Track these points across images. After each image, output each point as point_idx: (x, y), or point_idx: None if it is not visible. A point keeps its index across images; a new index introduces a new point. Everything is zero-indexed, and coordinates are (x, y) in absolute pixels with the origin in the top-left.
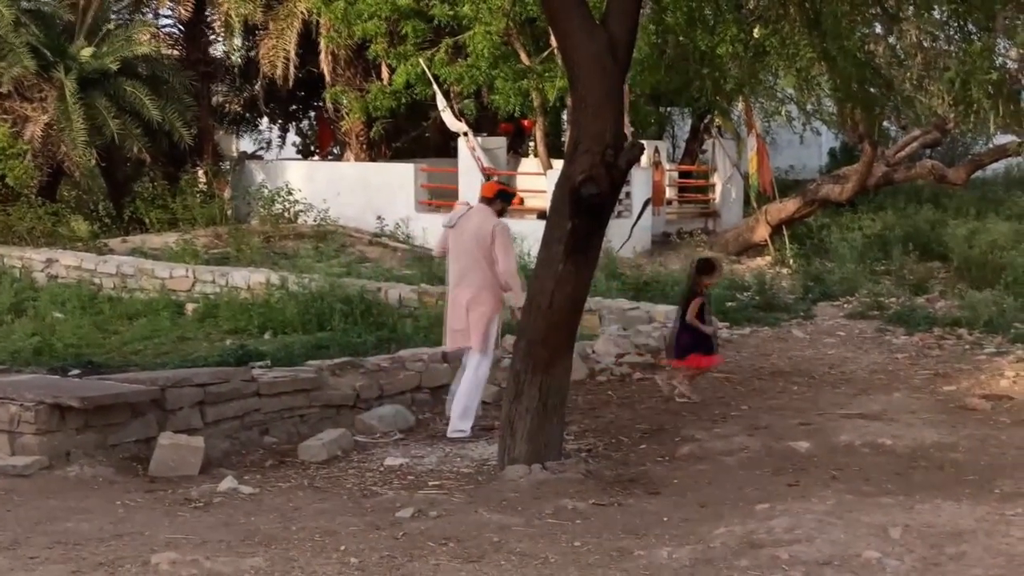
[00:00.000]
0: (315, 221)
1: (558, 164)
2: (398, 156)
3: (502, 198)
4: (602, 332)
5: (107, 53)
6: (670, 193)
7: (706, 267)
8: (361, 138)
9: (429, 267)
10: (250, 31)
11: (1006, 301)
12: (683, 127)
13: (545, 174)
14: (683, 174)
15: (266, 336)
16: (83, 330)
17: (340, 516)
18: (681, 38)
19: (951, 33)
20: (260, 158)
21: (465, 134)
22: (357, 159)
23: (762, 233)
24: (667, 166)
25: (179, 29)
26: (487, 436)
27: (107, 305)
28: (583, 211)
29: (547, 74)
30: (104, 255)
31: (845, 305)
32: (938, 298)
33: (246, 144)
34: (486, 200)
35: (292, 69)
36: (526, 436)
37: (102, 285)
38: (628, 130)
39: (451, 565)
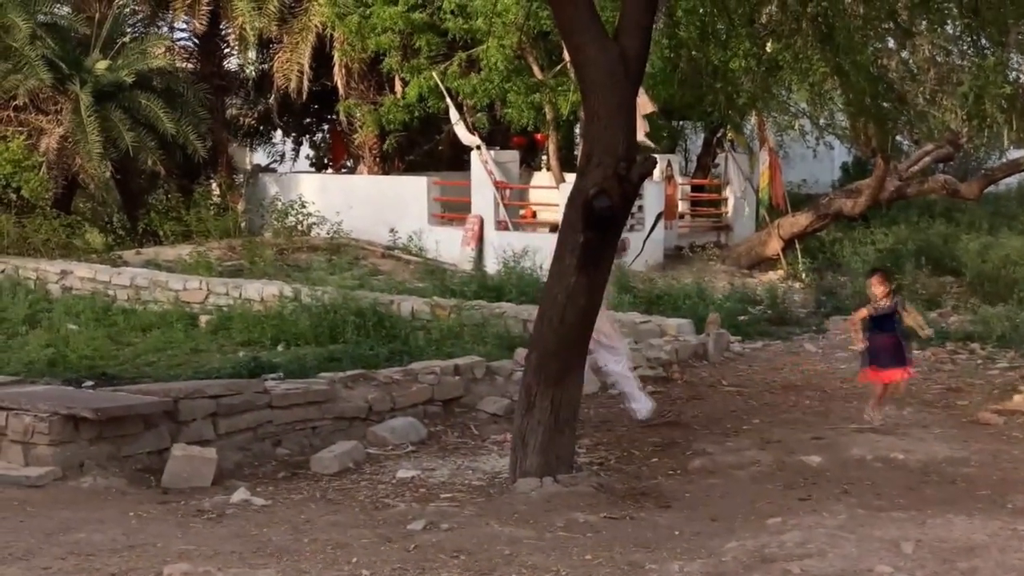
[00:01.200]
0: (328, 234)
1: (571, 178)
2: (411, 169)
3: None
4: None
5: (122, 66)
6: (682, 207)
7: (871, 274)
8: (374, 151)
9: (442, 279)
10: (264, 45)
11: (1019, 316)
12: (696, 141)
13: (558, 187)
14: (695, 188)
15: (279, 348)
16: (97, 342)
17: (352, 528)
18: (694, 52)
19: (964, 48)
20: (274, 171)
21: (478, 147)
22: (370, 172)
23: (774, 247)
24: (680, 180)
25: (194, 42)
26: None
27: (121, 317)
28: (595, 224)
29: (560, 88)
30: (118, 267)
31: None
32: (951, 313)
33: (260, 157)
34: None
35: (306, 82)
36: (538, 449)
37: (116, 297)
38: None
39: None
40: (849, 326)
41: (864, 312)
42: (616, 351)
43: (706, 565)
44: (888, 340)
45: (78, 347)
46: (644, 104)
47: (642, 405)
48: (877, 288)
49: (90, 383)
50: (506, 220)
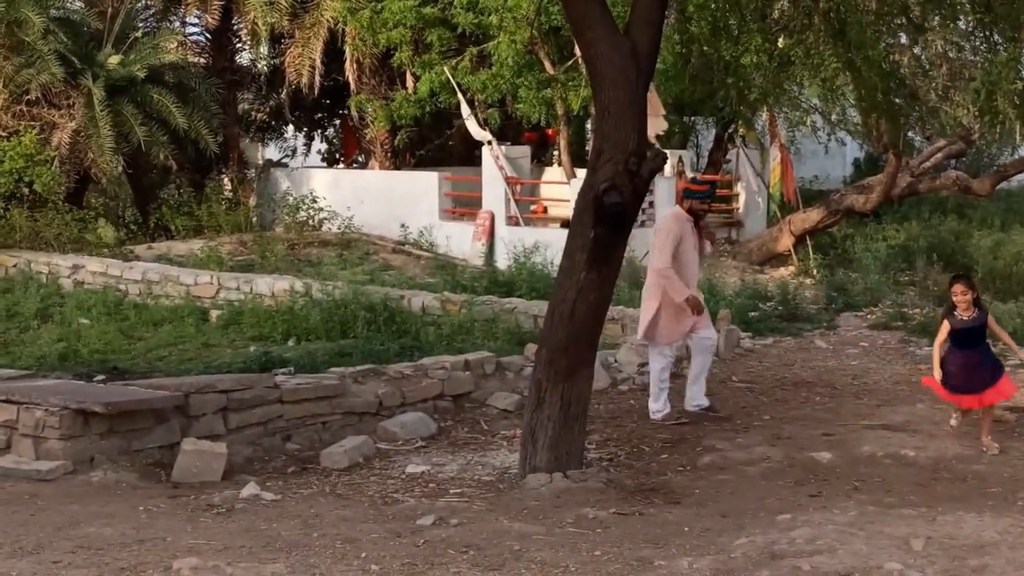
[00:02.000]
0: (339, 229)
1: (582, 173)
2: (422, 164)
3: (687, 195)
4: (624, 341)
5: (134, 61)
6: None
7: (952, 281)
8: (385, 146)
9: (452, 275)
10: (276, 39)
11: None
12: (707, 137)
13: (569, 183)
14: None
15: (290, 343)
16: (108, 336)
17: (361, 523)
18: (705, 48)
19: (976, 43)
20: (285, 166)
21: (489, 143)
22: (381, 167)
23: (785, 243)
24: (691, 175)
25: (206, 37)
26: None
27: (132, 311)
28: (606, 220)
29: (571, 83)
30: (130, 261)
31: (868, 316)
32: None
33: (271, 152)
34: (678, 199)
35: (317, 77)
36: (547, 445)
37: (128, 291)
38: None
39: (471, 573)
40: (934, 353)
41: (945, 330)
42: (666, 355)
43: (715, 561)
44: (966, 359)
45: (90, 341)
46: (656, 106)
47: (660, 407)
48: (959, 297)
49: (101, 377)
50: (517, 215)
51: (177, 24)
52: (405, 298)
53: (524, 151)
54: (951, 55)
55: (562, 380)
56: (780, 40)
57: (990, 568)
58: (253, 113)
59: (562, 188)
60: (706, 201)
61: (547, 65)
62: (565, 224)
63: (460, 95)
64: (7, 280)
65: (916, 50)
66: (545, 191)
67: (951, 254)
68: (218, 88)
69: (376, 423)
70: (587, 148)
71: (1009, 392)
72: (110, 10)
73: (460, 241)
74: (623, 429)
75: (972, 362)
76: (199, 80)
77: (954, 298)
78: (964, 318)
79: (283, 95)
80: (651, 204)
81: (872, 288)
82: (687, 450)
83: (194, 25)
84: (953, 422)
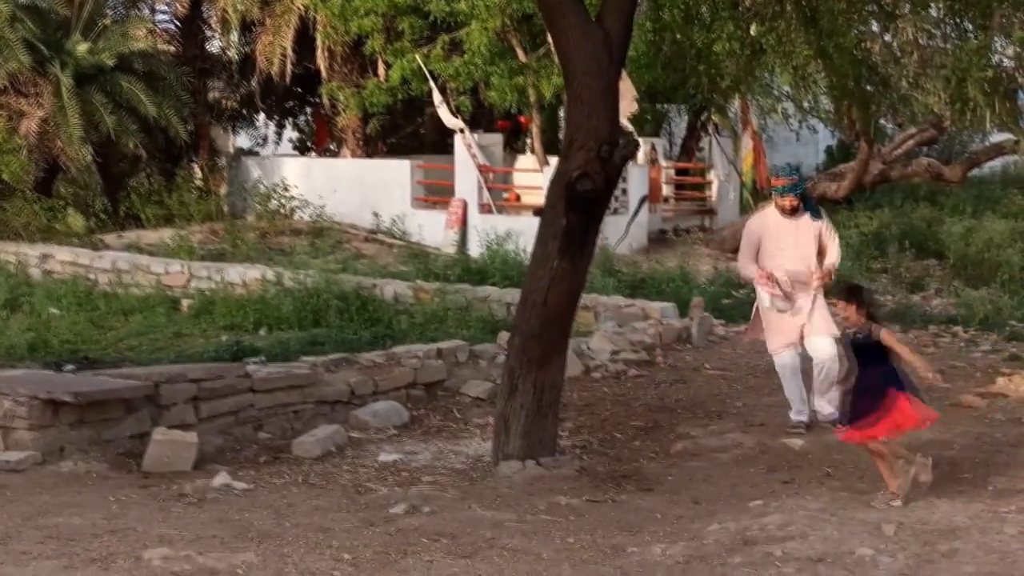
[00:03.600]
0: (311, 217)
1: (555, 161)
2: (394, 152)
3: (772, 191)
4: (597, 329)
5: (103, 49)
6: (667, 190)
7: (839, 295)
8: (357, 134)
9: (425, 263)
10: (247, 27)
11: (1002, 299)
12: (680, 124)
13: (541, 171)
14: (680, 171)
15: (261, 332)
16: (78, 326)
17: (334, 512)
18: (678, 35)
19: (947, 31)
20: (256, 154)
21: (461, 131)
22: (353, 155)
23: None
24: (664, 163)
25: (176, 25)
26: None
27: (102, 301)
28: (578, 207)
29: (543, 71)
30: (100, 251)
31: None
32: (934, 296)
33: (242, 140)
34: None
35: (289, 65)
36: (520, 432)
37: (97, 281)
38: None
39: (444, 561)
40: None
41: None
42: (785, 361)
43: (688, 548)
44: (871, 380)
45: (59, 331)
46: (627, 90)
47: (794, 413)
48: (840, 313)
49: (71, 367)
50: (490, 203)
51: (146, 12)
52: (377, 287)
53: (496, 139)
54: (922, 42)
55: (535, 368)
56: (752, 27)
57: (961, 552)
58: (224, 101)
59: (535, 176)
60: (786, 196)
61: (519, 53)
62: (538, 212)
63: (432, 83)
64: None
65: (887, 38)
66: (518, 179)
67: (923, 241)
68: (188, 76)
69: (348, 412)
70: (560, 136)
71: (907, 421)
72: None
73: (432, 229)
74: (596, 417)
75: (861, 385)
76: (169, 68)
77: (841, 314)
78: (851, 333)
79: (254, 83)
80: (624, 192)
81: (844, 275)
82: (660, 437)
83: (164, 13)
84: (903, 492)
